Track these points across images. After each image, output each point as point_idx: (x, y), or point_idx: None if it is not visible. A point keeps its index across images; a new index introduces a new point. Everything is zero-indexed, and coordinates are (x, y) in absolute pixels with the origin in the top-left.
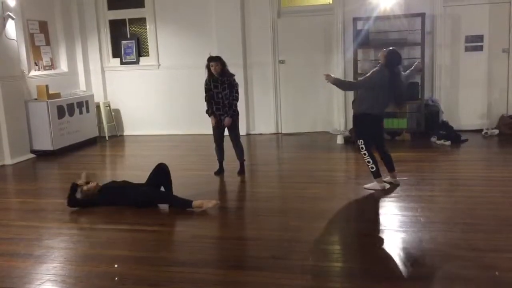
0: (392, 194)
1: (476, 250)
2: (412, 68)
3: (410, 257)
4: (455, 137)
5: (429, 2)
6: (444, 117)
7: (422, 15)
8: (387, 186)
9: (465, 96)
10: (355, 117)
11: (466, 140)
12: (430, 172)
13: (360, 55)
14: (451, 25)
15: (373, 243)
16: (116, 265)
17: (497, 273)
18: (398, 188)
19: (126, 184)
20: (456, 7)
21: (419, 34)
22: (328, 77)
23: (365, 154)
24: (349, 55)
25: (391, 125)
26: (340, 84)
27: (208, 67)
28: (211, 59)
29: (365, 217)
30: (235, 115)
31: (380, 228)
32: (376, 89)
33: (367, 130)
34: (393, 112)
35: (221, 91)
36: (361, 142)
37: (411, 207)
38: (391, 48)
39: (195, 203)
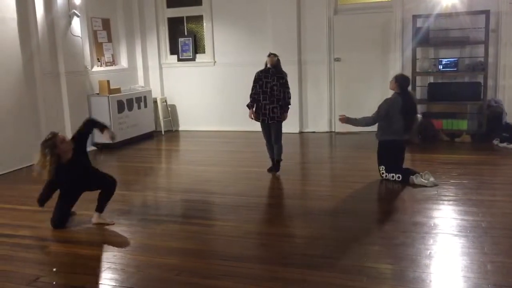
0: (451, 198)
1: None
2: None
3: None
4: None
5: None
6: (508, 118)
7: (486, 13)
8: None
9: None
10: (378, 145)
11: None
12: (491, 176)
13: (419, 53)
14: None
15: (428, 247)
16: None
17: None
18: (458, 191)
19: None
20: None
21: (482, 32)
22: (341, 119)
23: (386, 176)
24: (407, 53)
25: (450, 126)
26: (356, 122)
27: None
28: (270, 53)
29: (420, 219)
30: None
31: (437, 231)
32: (389, 116)
33: (389, 157)
34: (452, 113)
35: (270, 81)
36: (382, 168)
37: (471, 211)
38: (399, 74)
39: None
